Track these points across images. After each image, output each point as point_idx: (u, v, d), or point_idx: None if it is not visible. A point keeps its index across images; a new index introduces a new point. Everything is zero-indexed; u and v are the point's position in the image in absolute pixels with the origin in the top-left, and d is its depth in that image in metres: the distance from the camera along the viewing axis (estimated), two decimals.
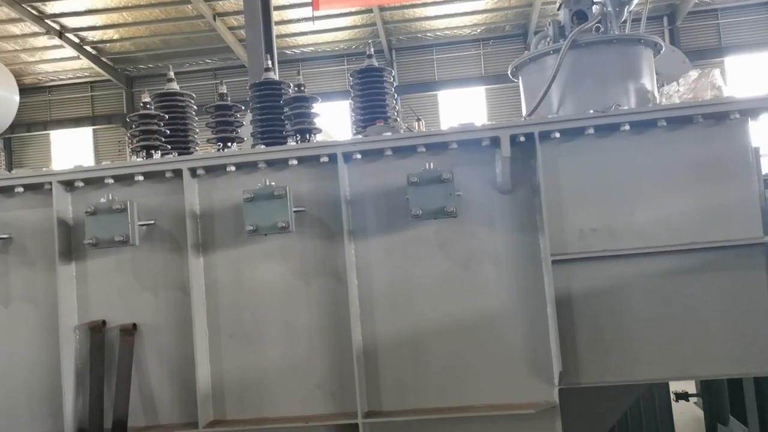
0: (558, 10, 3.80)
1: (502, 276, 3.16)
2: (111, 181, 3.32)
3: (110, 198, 3.17)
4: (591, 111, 3.06)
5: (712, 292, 2.98)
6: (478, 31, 24.19)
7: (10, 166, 21.67)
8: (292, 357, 3.27)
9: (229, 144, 3.56)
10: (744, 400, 4.08)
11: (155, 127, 3.50)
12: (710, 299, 2.99)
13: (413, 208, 3.00)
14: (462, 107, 22.88)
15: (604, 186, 3.06)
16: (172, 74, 3.92)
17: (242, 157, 3.29)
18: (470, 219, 3.16)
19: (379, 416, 3.17)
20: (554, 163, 3.08)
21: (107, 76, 23.98)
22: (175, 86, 3.82)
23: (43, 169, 3.39)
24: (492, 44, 24.55)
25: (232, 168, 3.29)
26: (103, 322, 3.33)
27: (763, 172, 3.05)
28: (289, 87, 4.19)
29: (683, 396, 4.62)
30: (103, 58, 23.62)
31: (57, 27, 21.17)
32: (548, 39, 3.77)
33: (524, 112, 3.87)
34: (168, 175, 3.32)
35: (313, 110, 3.61)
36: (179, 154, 3.47)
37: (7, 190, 3.36)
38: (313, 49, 23.84)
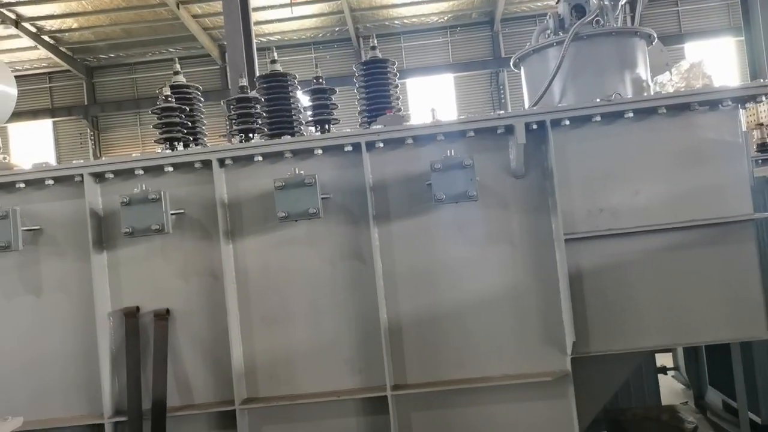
0: (557, 3, 4.03)
1: (516, 255, 3.40)
2: (141, 172, 3.43)
3: (144, 188, 3.28)
4: (597, 100, 3.31)
5: (708, 265, 3.28)
6: (445, 18, 24.42)
7: None
8: (320, 336, 3.45)
9: (251, 135, 3.69)
10: (720, 372, 4.46)
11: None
12: (706, 271, 3.28)
13: (437, 193, 3.21)
14: (431, 95, 23.07)
15: (610, 169, 3.32)
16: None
17: (269, 148, 3.43)
18: (486, 202, 3.38)
19: (405, 389, 3.38)
20: (564, 149, 3.32)
21: (66, 67, 23.37)
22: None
23: (73, 161, 3.47)
24: (459, 32, 24.83)
25: (260, 158, 3.44)
26: (137, 309, 3.45)
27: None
28: (295, 78, 4.34)
29: (662, 370, 4.97)
30: (61, 48, 23.01)
31: (12, 16, 20.52)
32: (548, 31, 3.99)
33: (526, 101, 4.10)
34: (197, 165, 3.45)
35: (332, 101, 3.78)
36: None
37: (37, 183, 3.44)
38: (279, 37, 23.69)
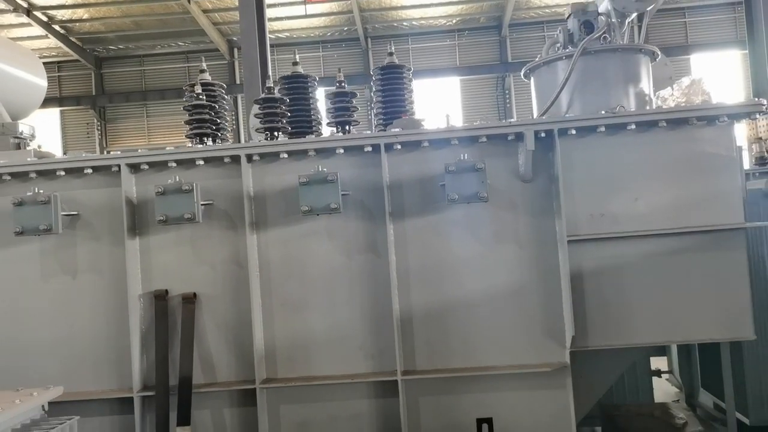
0: (567, 19, 4.27)
1: (522, 253, 3.65)
2: (174, 164, 3.67)
3: (177, 180, 3.52)
4: (603, 112, 3.56)
5: (701, 269, 3.52)
6: (454, 21, 24.65)
7: None
8: (335, 323, 3.69)
9: (276, 134, 3.92)
10: (711, 376, 4.68)
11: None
12: (699, 275, 3.53)
13: (450, 193, 3.45)
14: (436, 97, 23.32)
15: (611, 176, 3.56)
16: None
17: (295, 146, 3.68)
18: (495, 204, 3.62)
19: (414, 374, 3.63)
20: (569, 156, 3.56)
21: (75, 57, 23.57)
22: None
23: (111, 152, 3.70)
24: (467, 35, 25.08)
25: (285, 155, 3.68)
26: (166, 291, 3.69)
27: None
28: (315, 81, 4.58)
29: (656, 373, 5.21)
30: (71, 38, 23.23)
31: (25, 4, 20.76)
32: (558, 45, 4.24)
33: (535, 110, 4.34)
34: (226, 160, 3.69)
35: (353, 104, 4.02)
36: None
37: (77, 171, 3.68)
38: (288, 34, 23.90)
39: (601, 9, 4.13)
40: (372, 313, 3.69)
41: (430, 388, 3.64)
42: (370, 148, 3.65)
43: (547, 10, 24.26)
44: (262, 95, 3.94)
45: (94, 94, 25.06)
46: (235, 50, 25.87)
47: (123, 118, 25.44)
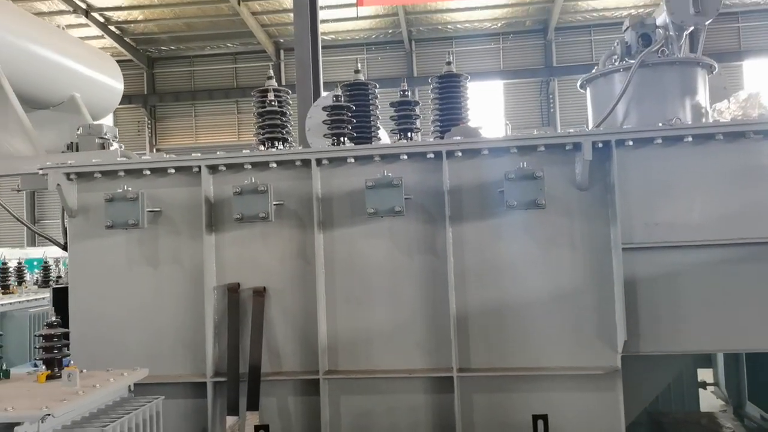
0: (624, 31, 4.39)
1: (576, 259, 3.79)
2: (249, 166, 3.94)
3: (253, 181, 3.78)
4: (660, 124, 3.68)
5: (754, 280, 3.60)
6: (499, 25, 24.63)
7: None
8: (395, 320, 3.90)
9: (342, 139, 4.15)
10: (758, 389, 4.71)
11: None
12: (751, 286, 3.61)
13: (509, 200, 3.62)
14: (480, 101, 23.36)
15: (667, 187, 3.67)
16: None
17: (362, 151, 3.90)
18: (551, 210, 3.77)
19: (469, 371, 3.80)
20: (626, 166, 3.69)
21: (129, 56, 24.41)
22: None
23: (192, 154, 3.99)
24: (512, 39, 25.02)
25: (352, 160, 3.91)
26: (238, 284, 3.95)
27: None
28: (375, 87, 4.80)
29: (702, 385, 5.24)
30: (126, 39, 24.10)
31: (83, 6, 21.66)
32: (615, 57, 4.35)
33: (590, 120, 4.47)
34: (297, 163, 3.94)
35: (415, 112, 4.23)
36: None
37: (160, 171, 3.98)
38: (333, 37, 24.24)
39: (659, 22, 4.24)
40: (430, 311, 3.88)
41: (484, 386, 3.81)
42: (432, 155, 3.85)
43: (594, 14, 24.05)
44: (331, 102, 4.17)
45: (145, 93, 25.91)
46: (282, 52, 26.42)
47: (172, 117, 26.26)
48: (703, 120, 4.03)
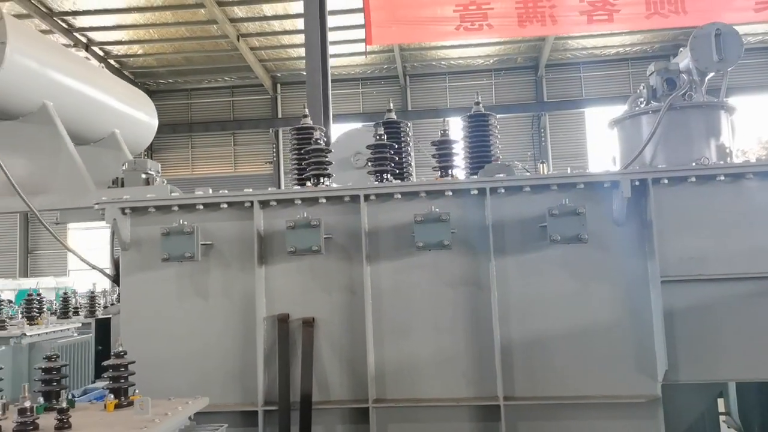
0: (649, 76, 4.65)
1: (614, 291, 3.97)
2: (299, 201, 4.10)
3: (305, 215, 3.94)
4: (693, 164, 3.91)
5: None
6: (491, 61, 25.31)
7: None
8: (440, 350, 4.03)
9: (386, 176, 4.34)
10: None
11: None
12: None
13: (552, 234, 3.81)
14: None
15: (700, 223, 3.88)
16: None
17: (409, 188, 4.08)
18: (590, 245, 3.95)
19: (514, 400, 3.93)
20: (661, 203, 3.90)
21: None
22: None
23: (245, 190, 4.14)
24: (504, 75, 25.69)
25: (398, 196, 4.09)
26: (287, 315, 4.07)
27: None
28: (408, 126, 5.02)
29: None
30: (125, 72, 24.36)
31: (84, 40, 21.94)
32: (641, 100, 4.61)
33: (618, 160, 4.70)
34: (346, 199, 4.11)
35: (454, 150, 4.43)
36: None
37: (213, 206, 4.13)
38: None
39: (682, 66, 4.51)
40: (474, 341, 4.02)
41: (529, 414, 3.94)
42: (476, 191, 4.04)
43: (584, 52, 24.83)
44: (374, 141, 4.36)
45: None
46: (279, 86, 26.86)
47: (169, 149, 26.43)
48: (728, 159, 4.27)
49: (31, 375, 5.80)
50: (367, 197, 4.11)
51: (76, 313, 7.98)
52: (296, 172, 4.69)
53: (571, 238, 3.80)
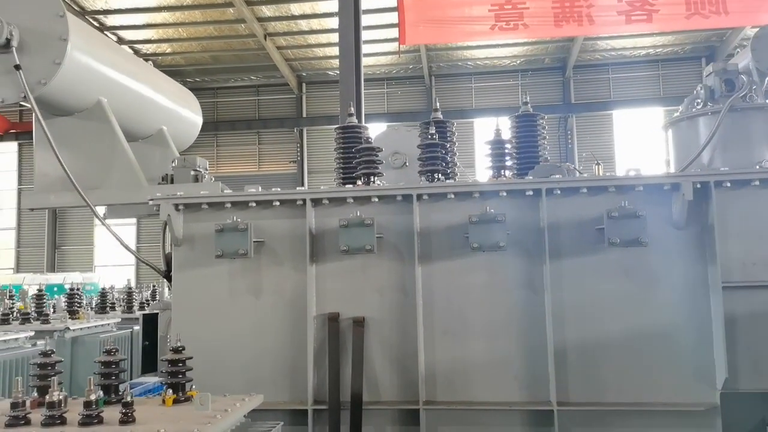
0: (706, 77, 4.55)
1: (674, 296, 3.88)
2: (351, 200, 4.07)
3: (358, 214, 3.91)
4: (757, 167, 3.81)
5: None
6: (518, 62, 25.15)
7: None
8: (493, 352, 3.98)
9: (438, 175, 4.30)
10: None
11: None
12: None
13: (611, 237, 3.73)
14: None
15: (764, 227, 3.78)
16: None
17: (462, 188, 4.04)
18: (649, 248, 3.87)
19: (568, 405, 3.86)
20: (723, 207, 3.81)
21: None
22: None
23: (298, 188, 4.13)
24: (530, 76, 25.49)
25: (452, 196, 4.04)
26: (338, 314, 4.05)
27: None
28: (453, 124, 4.96)
29: None
30: None
31: (115, 38, 22.17)
32: (698, 101, 4.51)
33: (672, 162, 4.61)
34: (398, 198, 4.08)
35: (507, 150, 4.38)
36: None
37: (266, 204, 4.12)
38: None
39: (741, 67, 4.41)
40: (527, 344, 3.96)
41: (583, 420, 3.86)
42: (531, 192, 3.98)
43: (612, 53, 24.53)
44: (426, 140, 4.33)
45: None
46: (304, 85, 26.97)
47: (194, 147, 26.32)
48: None
49: (74, 368, 5.86)
50: (419, 197, 4.07)
51: (113, 308, 8.06)
52: (341, 171, 4.67)
53: (630, 241, 3.72)
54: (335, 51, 24.00)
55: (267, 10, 21.12)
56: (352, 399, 3.89)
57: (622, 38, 22.84)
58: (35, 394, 3.13)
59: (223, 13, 21.22)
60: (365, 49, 21.97)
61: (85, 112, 4.38)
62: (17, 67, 3.86)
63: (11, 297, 8.56)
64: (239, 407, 3.17)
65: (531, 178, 4.03)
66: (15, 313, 6.80)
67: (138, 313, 7.25)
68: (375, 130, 5.15)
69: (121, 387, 3.26)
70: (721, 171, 3.82)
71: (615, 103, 24.76)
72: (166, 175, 4.69)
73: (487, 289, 4.02)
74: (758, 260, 3.78)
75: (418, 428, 3.91)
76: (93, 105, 4.36)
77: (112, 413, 2.85)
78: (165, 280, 4.34)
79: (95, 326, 6.31)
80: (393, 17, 20.44)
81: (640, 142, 23.24)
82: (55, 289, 18.99)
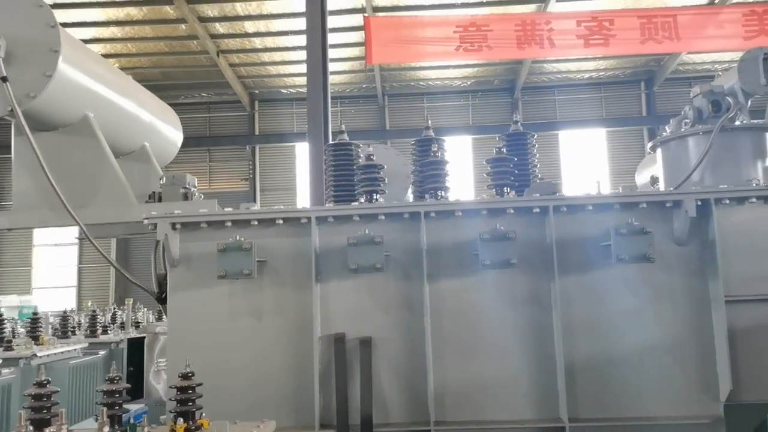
0: (693, 98, 4.71)
1: (677, 311, 3.95)
2: (357, 218, 3.98)
3: (366, 232, 3.82)
4: (754, 184, 3.95)
5: None
6: (468, 83, 25.66)
7: None
8: (502, 371, 3.94)
9: (441, 193, 4.26)
10: None
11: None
12: None
13: (619, 254, 3.78)
14: (449, 154, 23.83)
15: (762, 242, 3.91)
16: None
17: (470, 205, 4.02)
18: (654, 264, 3.94)
19: (579, 422, 3.86)
20: (723, 223, 3.92)
21: None
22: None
23: (301, 207, 4.00)
24: (480, 96, 26.04)
25: (459, 213, 4.01)
26: (344, 335, 3.93)
27: None
28: (444, 141, 4.93)
29: None
30: None
31: None
32: (686, 121, 4.67)
33: (662, 182, 4.73)
34: (405, 216, 4.02)
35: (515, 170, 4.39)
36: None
37: (268, 222, 3.98)
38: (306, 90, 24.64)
39: (727, 88, 4.59)
40: (536, 362, 3.94)
41: None
42: (538, 210, 4.00)
43: (558, 75, 25.37)
44: (428, 159, 4.29)
45: None
46: (256, 102, 26.65)
47: None
48: None
49: None
50: (428, 214, 4.02)
51: (73, 332, 7.62)
52: (333, 188, 4.57)
53: (638, 257, 3.78)
54: (289, 69, 24.01)
55: (221, 27, 20.83)
56: (362, 421, 3.76)
57: (568, 61, 23.67)
58: (31, 428, 2.89)
59: (175, 29, 20.79)
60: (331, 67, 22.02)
61: (70, 127, 4.14)
62: (4, 79, 3.61)
63: None
64: None
65: (537, 195, 4.04)
66: None
67: (103, 338, 6.87)
68: None
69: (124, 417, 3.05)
70: (721, 188, 3.94)
71: (561, 124, 25.54)
72: (153, 192, 4.48)
73: (496, 307, 3.99)
74: (757, 274, 3.90)
75: None
76: (79, 120, 4.12)
77: None
78: (158, 303, 4.11)
79: (61, 352, 5.93)
80: (346, 37, 20.61)
81: (584, 160, 24.19)
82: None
